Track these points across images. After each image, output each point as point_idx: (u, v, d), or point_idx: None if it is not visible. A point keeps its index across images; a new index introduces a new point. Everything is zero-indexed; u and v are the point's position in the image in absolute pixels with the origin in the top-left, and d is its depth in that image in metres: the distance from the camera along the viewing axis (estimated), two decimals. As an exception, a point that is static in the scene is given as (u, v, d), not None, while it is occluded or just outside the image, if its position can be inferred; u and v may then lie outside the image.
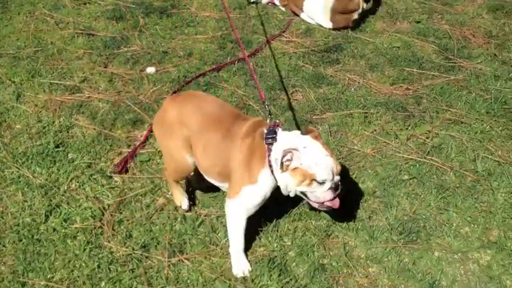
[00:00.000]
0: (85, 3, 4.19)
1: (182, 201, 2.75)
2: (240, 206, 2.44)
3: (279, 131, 2.46)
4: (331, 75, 3.68)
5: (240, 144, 2.44)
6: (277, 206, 2.73)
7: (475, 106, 3.44)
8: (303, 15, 4.20)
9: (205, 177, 2.60)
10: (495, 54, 3.88)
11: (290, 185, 2.39)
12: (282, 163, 2.34)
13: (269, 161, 2.40)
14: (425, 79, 3.67)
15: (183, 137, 2.50)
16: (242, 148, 2.44)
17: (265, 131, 2.47)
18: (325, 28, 4.11)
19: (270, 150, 2.41)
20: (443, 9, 4.33)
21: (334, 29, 4.09)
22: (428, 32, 4.08)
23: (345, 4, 4.01)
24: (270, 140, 2.42)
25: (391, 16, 4.26)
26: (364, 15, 4.22)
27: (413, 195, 2.87)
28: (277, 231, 2.66)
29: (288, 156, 2.34)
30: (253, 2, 4.27)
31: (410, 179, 2.97)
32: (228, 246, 2.52)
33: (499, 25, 4.17)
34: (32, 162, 2.94)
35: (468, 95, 3.54)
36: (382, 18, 4.24)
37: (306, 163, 2.34)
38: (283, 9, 4.32)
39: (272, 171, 2.41)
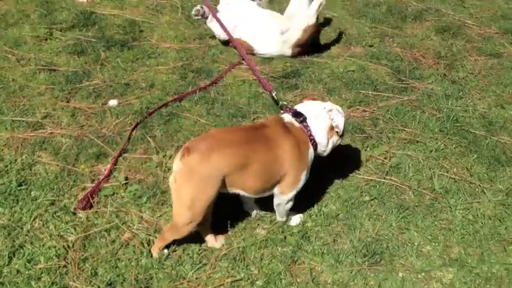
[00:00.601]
0: (46, 39, 4.21)
1: (217, 240, 2.77)
2: (295, 191, 2.72)
3: (297, 108, 2.75)
4: (290, 100, 3.79)
5: (281, 147, 2.59)
6: (244, 232, 2.80)
7: (428, 125, 3.60)
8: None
9: (255, 196, 2.71)
10: (445, 74, 4.06)
11: (335, 143, 2.81)
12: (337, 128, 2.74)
13: (311, 139, 2.68)
14: (380, 101, 3.82)
15: (220, 182, 2.50)
16: (285, 147, 2.60)
17: (287, 117, 2.70)
18: (282, 55, 4.23)
19: (307, 127, 2.69)
20: (393, 33, 4.50)
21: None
22: (381, 55, 4.24)
23: (306, 39, 4.13)
24: (301, 119, 2.69)
25: (345, 41, 4.41)
26: (320, 41, 4.37)
27: (375, 216, 2.98)
28: (244, 259, 2.72)
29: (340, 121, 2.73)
30: (197, 18, 4.33)
31: (372, 199, 3.08)
32: (196, 279, 2.57)
33: (447, 46, 4.37)
34: (-5, 202, 2.95)
35: (422, 115, 3.69)
36: (336, 43, 4.39)
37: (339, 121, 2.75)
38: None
39: (316, 146, 2.70)
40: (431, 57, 4.25)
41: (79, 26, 4.37)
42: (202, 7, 4.22)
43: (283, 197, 2.72)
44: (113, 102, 3.69)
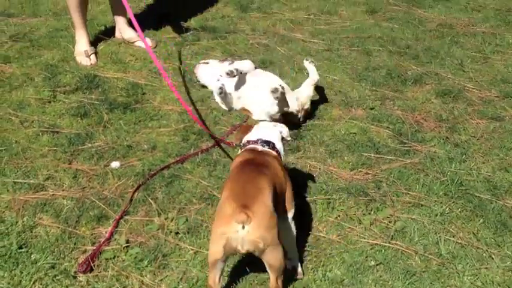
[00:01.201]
0: (50, 102, 4.24)
1: None
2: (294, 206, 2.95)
3: (254, 137, 3.01)
4: (292, 163, 3.78)
5: (277, 168, 2.84)
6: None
7: (433, 188, 3.58)
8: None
9: None
10: (447, 137, 4.07)
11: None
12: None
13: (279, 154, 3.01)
14: (383, 163, 3.81)
15: None
16: (279, 167, 2.86)
17: (259, 147, 2.93)
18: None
19: (275, 149, 2.98)
20: (394, 96, 4.55)
21: None
22: (382, 118, 4.27)
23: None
24: (273, 146, 2.98)
25: (346, 104, 4.45)
26: (321, 103, 4.41)
27: (381, 282, 2.91)
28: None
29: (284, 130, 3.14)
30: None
31: (377, 264, 3.02)
32: None
33: (448, 109, 4.40)
34: (-6, 266, 2.89)
35: (425, 178, 3.67)
36: (338, 106, 4.42)
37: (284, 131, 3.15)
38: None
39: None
40: (433, 120, 4.27)
41: (82, 89, 4.41)
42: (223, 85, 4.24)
43: (290, 215, 2.89)
44: (115, 164, 3.68)
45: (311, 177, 3.65)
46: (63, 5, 5.74)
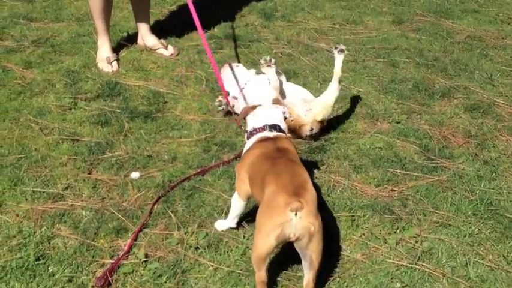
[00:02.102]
0: (70, 109, 4.20)
1: None
2: None
3: (260, 122, 3.11)
4: (316, 177, 3.69)
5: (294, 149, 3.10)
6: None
7: (461, 208, 3.45)
8: None
9: None
10: (476, 154, 3.94)
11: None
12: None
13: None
14: (409, 180, 3.69)
15: None
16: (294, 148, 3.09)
17: (268, 133, 3.04)
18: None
19: (282, 130, 3.14)
20: (421, 110, 4.43)
21: None
22: (409, 133, 4.15)
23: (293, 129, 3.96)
24: (279, 129, 3.10)
25: (371, 117, 4.34)
26: (345, 116, 4.31)
27: (407, 305, 2.81)
28: None
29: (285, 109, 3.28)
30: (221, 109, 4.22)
31: (403, 287, 2.90)
32: None
33: (477, 124, 4.27)
34: (10, 277, 2.82)
35: (453, 196, 3.55)
36: (362, 119, 4.32)
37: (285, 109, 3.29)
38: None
39: None
40: (461, 136, 4.15)
41: (103, 96, 4.37)
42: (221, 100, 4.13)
43: None
44: (135, 175, 3.62)
45: (335, 193, 3.55)
46: (85, 10, 5.71)
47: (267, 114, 3.14)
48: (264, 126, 3.08)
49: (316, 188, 3.57)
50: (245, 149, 3.13)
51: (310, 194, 2.66)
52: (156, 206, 3.37)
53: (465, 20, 6.04)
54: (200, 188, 3.52)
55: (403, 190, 3.60)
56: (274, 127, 3.08)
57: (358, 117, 4.34)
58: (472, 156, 3.93)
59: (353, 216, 3.37)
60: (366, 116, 4.35)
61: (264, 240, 2.59)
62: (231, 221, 3.21)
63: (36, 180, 3.51)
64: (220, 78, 3.97)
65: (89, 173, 3.61)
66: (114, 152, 3.81)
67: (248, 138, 3.13)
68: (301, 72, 4.84)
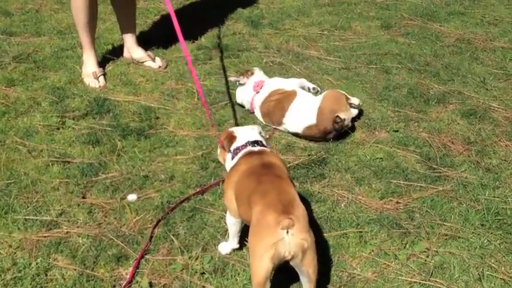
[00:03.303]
0: (58, 128, 4.03)
1: None
2: None
3: (241, 140, 3.09)
4: (318, 192, 3.59)
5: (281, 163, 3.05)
6: None
7: (468, 218, 3.38)
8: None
9: None
10: (477, 162, 3.88)
11: None
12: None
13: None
14: (413, 191, 3.61)
15: None
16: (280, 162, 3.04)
17: (253, 149, 3.01)
18: (305, 142, 4.06)
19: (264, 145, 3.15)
20: (418, 117, 4.37)
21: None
22: (408, 141, 4.08)
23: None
24: (262, 144, 3.09)
25: (368, 126, 4.26)
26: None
27: (425, 326, 2.72)
28: None
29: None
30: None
31: (420, 306, 2.83)
32: None
33: (475, 131, 4.22)
34: (8, 316, 2.68)
35: (459, 207, 3.48)
36: (360, 129, 4.23)
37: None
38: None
39: None
40: (461, 142, 4.09)
41: (92, 114, 4.21)
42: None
43: None
44: (131, 197, 3.47)
45: (339, 208, 3.46)
46: (67, 22, 5.54)
47: (246, 134, 3.13)
48: (246, 143, 3.05)
49: (320, 202, 3.49)
50: (231, 165, 3.05)
51: (300, 209, 2.62)
52: (156, 230, 3.23)
53: (452, 22, 6.00)
54: (201, 208, 3.39)
55: (408, 202, 3.52)
56: (257, 142, 3.06)
57: (356, 126, 4.25)
58: (473, 163, 3.87)
59: (361, 232, 3.28)
60: (363, 125, 4.27)
61: (260, 264, 2.53)
62: (232, 241, 3.10)
63: (28, 207, 3.34)
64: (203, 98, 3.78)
65: (83, 197, 3.46)
66: (108, 173, 3.66)
67: (232, 158, 3.06)
68: (293, 82, 4.73)
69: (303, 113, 4.05)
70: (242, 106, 4.45)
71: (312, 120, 4.02)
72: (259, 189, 2.69)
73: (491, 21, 6.07)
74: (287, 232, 2.49)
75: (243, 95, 4.40)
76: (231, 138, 3.13)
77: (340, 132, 4.05)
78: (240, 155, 3.01)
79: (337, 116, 3.97)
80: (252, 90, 4.33)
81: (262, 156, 2.94)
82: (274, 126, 4.20)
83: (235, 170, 2.94)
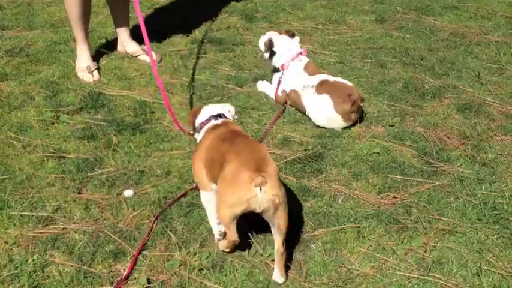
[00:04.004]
0: (53, 123, 3.99)
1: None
2: None
3: (206, 114, 3.25)
4: (315, 187, 3.58)
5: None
6: None
7: (465, 213, 3.39)
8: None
9: None
10: (473, 156, 3.89)
11: None
12: None
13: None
14: (410, 186, 3.62)
15: None
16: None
17: (216, 121, 3.16)
18: (301, 136, 4.05)
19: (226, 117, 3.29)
20: (414, 111, 4.37)
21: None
22: (404, 136, 4.08)
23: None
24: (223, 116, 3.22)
25: (364, 120, 4.26)
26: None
27: (424, 321, 2.73)
28: None
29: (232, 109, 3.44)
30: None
31: (418, 301, 2.83)
32: None
33: (470, 125, 4.22)
34: (5, 313, 2.65)
35: (456, 201, 3.49)
36: (356, 123, 4.22)
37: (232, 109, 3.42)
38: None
39: None
40: (457, 137, 4.09)
41: (87, 108, 4.17)
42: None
43: None
44: (128, 193, 3.44)
45: (337, 203, 3.45)
46: (59, 16, 5.49)
47: (211, 110, 3.28)
48: (209, 117, 3.22)
49: (318, 197, 3.49)
50: (198, 141, 3.23)
51: (272, 167, 2.79)
52: (154, 225, 3.21)
53: (446, 16, 6.01)
54: (198, 203, 3.35)
55: (405, 197, 3.52)
56: (219, 115, 3.22)
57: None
58: (469, 158, 3.88)
59: (358, 227, 3.27)
60: (359, 120, 4.26)
61: (228, 210, 2.77)
62: (215, 226, 3.11)
63: (23, 202, 3.30)
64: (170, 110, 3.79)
65: (79, 193, 3.43)
66: (104, 168, 3.63)
67: (198, 132, 3.25)
68: (289, 76, 4.72)
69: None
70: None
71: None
72: (232, 150, 2.86)
73: (484, 15, 6.09)
74: (260, 189, 2.68)
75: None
76: (195, 113, 3.33)
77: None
78: (205, 129, 3.19)
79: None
80: None
81: (228, 125, 3.13)
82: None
83: (203, 143, 3.11)
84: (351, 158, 3.86)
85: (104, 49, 4.96)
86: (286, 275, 2.92)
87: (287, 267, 2.95)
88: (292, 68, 4.34)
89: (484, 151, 3.96)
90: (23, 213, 3.23)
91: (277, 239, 2.83)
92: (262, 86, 4.52)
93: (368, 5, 6.21)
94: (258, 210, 2.74)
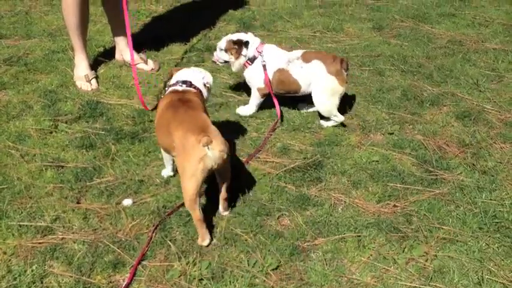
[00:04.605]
0: (51, 132, 3.97)
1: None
2: None
3: (179, 78, 3.48)
4: (315, 195, 3.57)
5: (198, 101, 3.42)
6: None
7: (466, 222, 3.38)
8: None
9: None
10: (473, 164, 3.88)
11: (208, 95, 3.67)
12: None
13: (200, 91, 3.49)
14: (410, 194, 3.61)
15: None
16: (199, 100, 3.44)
17: (181, 87, 3.40)
18: (301, 144, 4.04)
19: (195, 87, 3.47)
20: (413, 119, 4.36)
21: None
22: (404, 144, 4.07)
23: None
24: (190, 84, 3.43)
25: (363, 128, 4.25)
26: (337, 128, 4.20)
27: (427, 332, 2.71)
28: None
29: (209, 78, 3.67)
30: None
31: (420, 311, 2.82)
32: None
33: (470, 133, 4.22)
34: (4, 325, 2.62)
35: (457, 210, 3.48)
36: (355, 131, 4.22)
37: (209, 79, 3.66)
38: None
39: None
40: (456, 145, 4.09)
41: (85, 117, 4.15)
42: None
43: None
44: (127, 202, 3.43)
45: (337, 212, 3.44)
46: (57, 24, 5.48)
47: (184, 74, 3.48)
48: (176, 82, 3.43)
49: (318, 206, 3.47)
50: None
51: (214, 129, 3.09)
52: (153, 235, 3.19)
53: (443, 24, 6.03)
54: (197, 213, 3.36)
55: (405, 206, 3.51)
56: (185, 82, 3.41)
57: (351, 129, 4.24)
58: (469, 166, 3.87)
59: (359, 236, 3.26)
60: (358, 128, 4.26)
61: (192, 179, 2.99)
62: (167, 168, 3.62)
63: (22, 212, 3.28)
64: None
65: (78, 202, 3.41)
66: (103, 177, 3.61)
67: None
68: (287, 84, 4.71)
69: None
70: None
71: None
72: (175, 119, 3.13)
73: (482, 23, 6.10)
74: (208, 148, 2.94)
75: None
76: (171, 75, 3.57)
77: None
78: (167, 91, 3.43)
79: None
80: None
81: (183, 94, 3.33)
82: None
83: (159, 105, 3.41)
84: (350, 166, 3.85)
85: (102, 58, 4.95)
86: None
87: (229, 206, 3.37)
88: (269, 49, 4.31)
89: (483, 159, 3.96)
90: (21, 223, 3.21)
91: (223, 186, 3.25)
92: (242, 110, 4.40)
93: (365, 13, 6.23)
94: (215, 167, 3.02)
